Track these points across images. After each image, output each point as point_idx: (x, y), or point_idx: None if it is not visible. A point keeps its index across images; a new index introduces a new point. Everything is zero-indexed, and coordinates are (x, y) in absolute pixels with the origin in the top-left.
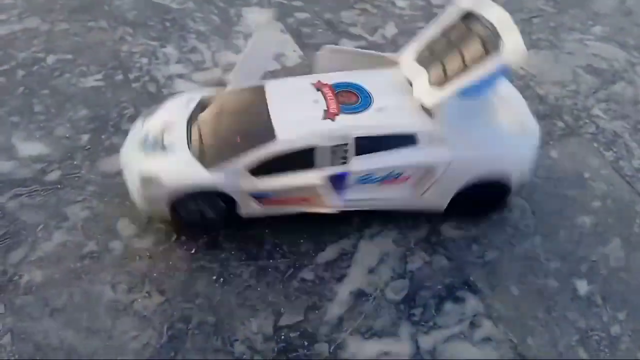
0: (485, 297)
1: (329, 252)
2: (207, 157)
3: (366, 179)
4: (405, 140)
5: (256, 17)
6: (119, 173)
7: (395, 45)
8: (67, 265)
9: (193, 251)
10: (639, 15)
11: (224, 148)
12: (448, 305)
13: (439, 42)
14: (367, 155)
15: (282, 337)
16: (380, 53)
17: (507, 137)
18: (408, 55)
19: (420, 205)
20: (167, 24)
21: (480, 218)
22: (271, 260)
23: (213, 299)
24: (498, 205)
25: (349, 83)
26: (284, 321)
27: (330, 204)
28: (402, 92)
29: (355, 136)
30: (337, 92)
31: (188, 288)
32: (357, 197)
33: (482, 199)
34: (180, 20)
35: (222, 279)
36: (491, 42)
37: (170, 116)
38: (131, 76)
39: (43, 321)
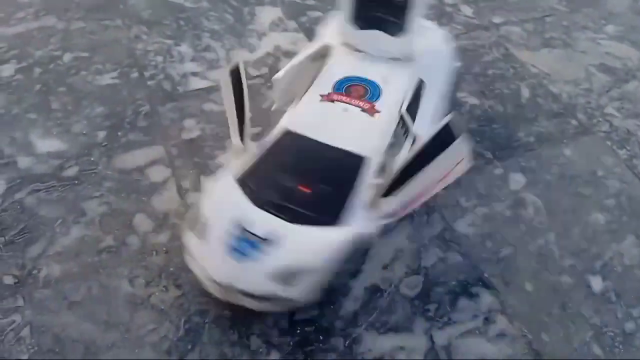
0: (500, 294)
1: None
2: (318, 219)
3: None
4: (420, 89)
5: (267, 15)
6: (135, 169)
7: None
8: (85, 260)
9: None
10: None
11: (322, 201)
12: (462, 301)
13: (362, 3)
14: (419, 118)
15: (298, 331)
16: (312, 48)
17: (439, 45)
18: (347, 29)
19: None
20: (182, 22)
21: (494, 216)
22: None
23: None
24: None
25: (341, 80)
26: (299, 315)
27: (468, 159)
28: (371, 60)
29: (405, 109)
30: (345, 92)
31: None
32: None
33: None
34: (195, 19)
35: None
36: None
37: (229, 211)
38: (146, 74)
39: (62, 314)
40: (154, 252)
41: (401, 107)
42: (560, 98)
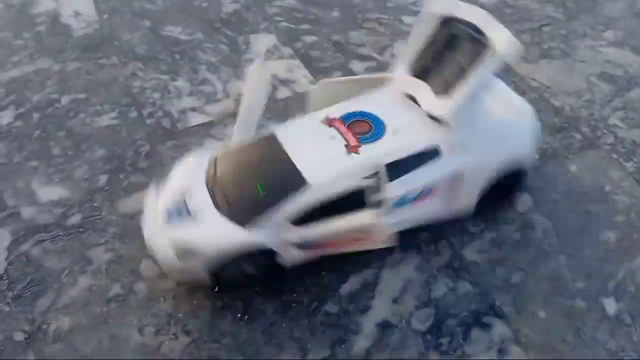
0: (513, 322)
1: (352, 283)
2: (238, 216)
3: (400, 203)
4: (430, 155)
5: (262, 43)
6: (138, 213)
7: None
8: (94, 310)
9: (216, 289)
10: None
11: (254, 204)
12: (475, 333)
13: (427, 51)
14: (398, 179)
15: None
16: (371, 75)
17: (510, 124)
18: (401, 71)
19: (450, 213)
20: (177, 56)
21: (502, 240)
22: (294, 295)
23: (239, 338)
24: (518, 189)
25: (356, 112)
26: (311, 357)
27: (386, 237)
28: (408, 109)
29: (385, 163)
30: (349, 124)
31: (214, 327)
32: (393, 222)
33: (503, 190)
34: (190, 51)
35: (246, 317)
36: (480, 41)
37: (185, 182)
38: (145, 112)
39: None
40: (162, 299)
41: (386, 160)
42: (562, 111)
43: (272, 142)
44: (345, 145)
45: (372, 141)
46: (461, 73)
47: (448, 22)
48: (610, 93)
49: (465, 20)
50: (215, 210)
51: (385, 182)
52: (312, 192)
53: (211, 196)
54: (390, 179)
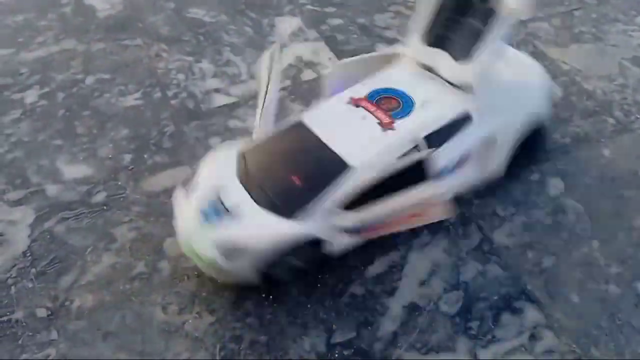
0: (545, 307)
1: (378, 265)
2: (281, 209)
3: (441, 173)
4: (462, 122)
5: (286, 25)
6: (163, 192)
7: None
8: (118, 288)
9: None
10: None
11: (295, 194)
12: (506, 317)
13: (438, 19)
14: (438, 150)
15: (336, 355)
16: (385, 51)
17: (527, 84)
18: (415, 43)
19: (484, 178)
20: (201, 38)
21: (533, 224)
22: (319, 276)
23: (263, 318)
24: (542, 146)
25: (379, 90)
26: (336, 338)
27: (445, 209)
28: (430, 79)
29: (423, 135)
30: (376, 102)
31: (238, 307)
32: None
33: (528, 149)
34: (214, 33)
35: (271, 297)
36: (489, 1)
37: (216, 179)
38: (169, 93)
39: (96, 345)
40: (186, 277)
41: (423, 132)
42: (594, 95)
43: (301, 129)
44: (379, 123)
45: (403, 116)
46: (477, 36)
47: None
48: None
49: None
50: (255, 205)
51: (432, 153)
52: (357, 175)
53: (247, 191)
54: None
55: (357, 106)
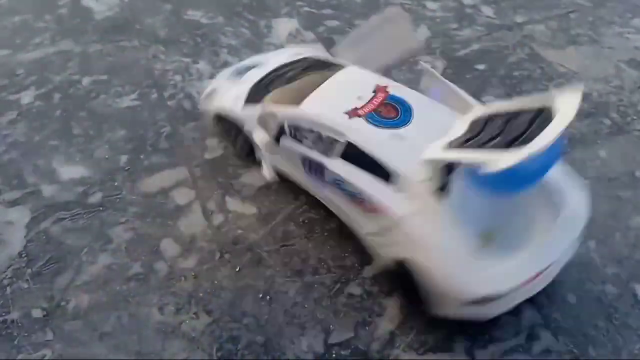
0: (542, 307)
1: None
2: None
3: (339, 185)
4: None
5: (284, 27)
6: (159, 193)
7: (429, 48)
8: (114, 288)
9: (237, 269)
10: None
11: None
12: (504, 317)
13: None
14: (346, 162)
15: (334, 355)
16: (469, 99)
17: None
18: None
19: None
20: (198, 39)
21: None
22: (317, 276)
23: (261, 318)
24: None
25: (404, 100)
26: (334, 338)
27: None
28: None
29: (348, 140)
30: (385, 103)
31: (235, 307)
32: (331, 198)
33: None
34: (211, 35)
35: (268, 297)
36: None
37: (272, 61)
38: (166, 94)
39: (92, 346)
40: (183, 278)
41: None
42: (591, 97)
43: (332, 71)
44: (355, 108)
45: (373, 124)
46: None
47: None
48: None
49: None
50: (252, 83)
51: (337, 153)
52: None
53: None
54: (343, 157)
55: (374, 91)
